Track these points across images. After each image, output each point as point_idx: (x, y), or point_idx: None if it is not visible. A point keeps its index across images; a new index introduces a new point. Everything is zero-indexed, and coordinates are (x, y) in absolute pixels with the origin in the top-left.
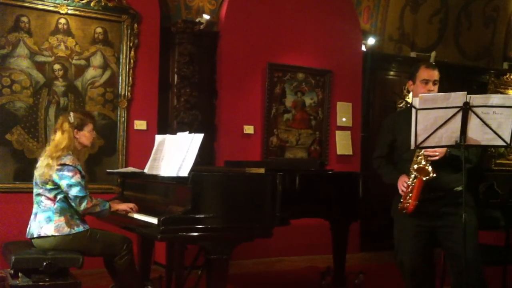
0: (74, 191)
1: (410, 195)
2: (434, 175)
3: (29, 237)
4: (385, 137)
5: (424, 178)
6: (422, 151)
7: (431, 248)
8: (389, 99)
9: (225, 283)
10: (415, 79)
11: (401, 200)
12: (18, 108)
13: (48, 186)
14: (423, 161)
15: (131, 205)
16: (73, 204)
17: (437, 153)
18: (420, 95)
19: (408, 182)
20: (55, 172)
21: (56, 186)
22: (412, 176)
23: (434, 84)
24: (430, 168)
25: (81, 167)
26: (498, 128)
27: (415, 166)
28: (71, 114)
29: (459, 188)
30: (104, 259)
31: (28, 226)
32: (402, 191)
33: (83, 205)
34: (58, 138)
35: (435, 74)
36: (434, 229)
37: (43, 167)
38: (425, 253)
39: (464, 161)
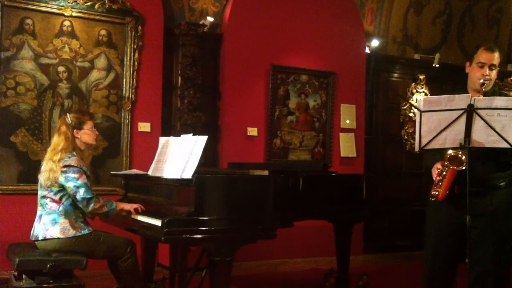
0: (81, 193)
1: (441, 183)
2: (464, 168)
3: (33, 239)
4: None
5: (457, 168)
6: None
7: (457, 252)
8: (393, 101)
9: (228, 285)
10: (472, 61)
11: (434, 187)
12: (22, 110)
13: (54, 189)
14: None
15: (137, 205)
16: (80, 205)
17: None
18: (424, 97)
19: (440, 170)
20: (60, 174)
21: (62, 188)
22: (446, 163)
23: (490, 68)
24: (463, 157)
25: (86, 167)
26: (502, 130)
27: (449, 152)
28: (68, 115)
29: (502, 184)
30: (108, 261)
31: (32, 229)
32: (435, 177)
33: (91, 206)
34: (55, 140)
35: (493, 58)
36: (463, 228)
37: (47, 171)
38: (451, 254)
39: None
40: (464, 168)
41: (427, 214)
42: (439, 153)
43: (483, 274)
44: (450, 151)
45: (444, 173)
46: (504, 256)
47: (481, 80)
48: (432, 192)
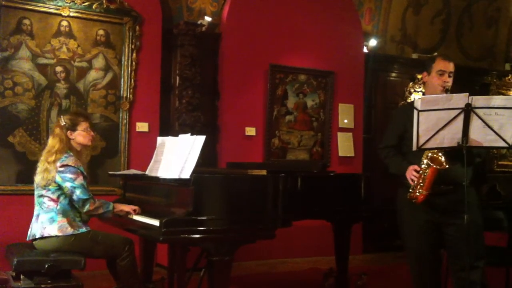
0: (77, 194)
1: (421, 184)
2: (447, 166)
3: (30, 238)
4: (395, 127)
5: (438, 167)
6: None
7: (438, 248)
8: (391, 101)
9: (227, 285)
10: (431, 70)
11: (410, 190)
12: (20, 110)
13: (51, 188)
14: (436, 151)
15: (134, 207)
16: (76, 206)
17: None
18: (422, 96)
19: (420, 172)
20: (57, 173)
21: (59, 187)
22: (424, 164)
23: (449, 76)
24: (443, 158)
25: (83, 168)
26: (500, 129)
27: (429, 155)
28: (62, 117)
29: (466, 183)
30: (106, 260)
31: (30, 228)
32: (412, 180)
33: (86, 207)
34: (50, 142)
35: (451, 66)
36: (441, 225)
37: (42, 172)
38: (433, 253)
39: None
40: (446, 166)
41: (401, 216)
42: (406, 160)
43: (466, 267)
44: (428, 154)
45: (425, 175)
46: (480, 249)
47: (444, 87)
48: (413, 194)
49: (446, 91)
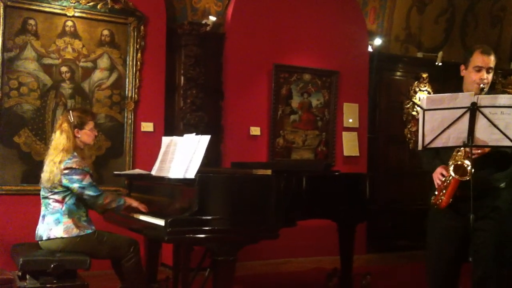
0: (87, 192)
1: (444, 191)
2: (468, 178)
3: (37, 239)
4: None
5: (460, 179)
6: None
7: (461, 257)
8: (396, 100)
9: (231, 285)
10: (468, 64)
11: (435, 193)
12: (25, 110)
13: (57, 190)
14: (462, 157)
15: (143, 204)
16: (89, 203)
17: (479, 151)
18: (427, 95)
19: (444, 177)
20: (63, 176)
21: (65, 189)
22: (450, 171)
23: (488, 72)
24: (468, 168)
25: (88, 167)
26: (506, 128)
27: (453, 162)
28: (71, 113)
29: (502, 186)
30: (111, 260)
31: (37, 229)
32: (437, 184)
33: (100, 201)
34: (57, 138)
35: (490, 61)
36: (469, 230)
37: (48, 172)
38: (453, 260)
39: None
40: (468, 178)
41: (429, 217)
42: (438, 158)
43: (487, 275)
44: (453, 162)
45: (448, 182)
46: (507, 257)
47: (480, 85)
48: (436, 200)
49: (481, 89)
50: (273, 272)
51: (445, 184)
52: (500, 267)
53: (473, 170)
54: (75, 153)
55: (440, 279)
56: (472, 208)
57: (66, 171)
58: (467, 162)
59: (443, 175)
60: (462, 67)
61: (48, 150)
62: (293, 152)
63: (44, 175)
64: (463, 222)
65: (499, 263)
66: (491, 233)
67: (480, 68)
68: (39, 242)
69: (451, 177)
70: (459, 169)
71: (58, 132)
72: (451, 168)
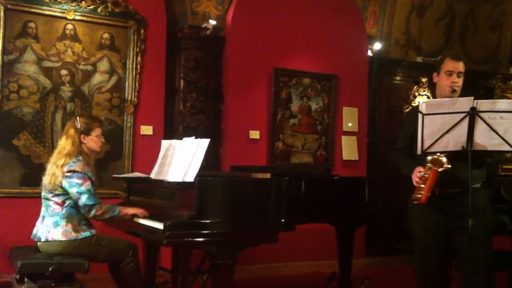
0: (83, 199)
1: (423, 186)
2: (449, 166)
3: (35, 240)
4: (406, 130)
5: (439, 169)
6: None
7: (447, 253)
8: (395, 104)
9: None
10: (440, 71)
11: (415, 191)
12: (25, 113)
13: (57, 192)
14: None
15: (140, 210)
16: (82, 211)
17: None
18: (426, 100)
19: (422, 173)
20: (64, 178)
21: (65, 192)
22: (427, 166)
23: (458, 76)
24: (444, 159)
25: (91, 173)
26: (505, 133)
27: (429, 157)
28: (78, 119)
29: (478, 185)
30: (108, 264)
31: (35, 228)
32: (416, 181)
33: (92, 212)
34: (62, 143)
35: (460, 66)
36: (450, 228)
37: (50, 175)
38: (441, 257)
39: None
40: (447, 167)
41: (411, 219)
42: (416, 163)
43: (475, 271)
44: (429, 156)
45: (427, 175)
46: (491, 251)
47: (452, 87)
48: (415, 195)
49: (453, 91)
50: (271, 276)
51: (424, 178)
52: (487, 262)
53: (449, 166)
54: (80, 157)
55: (431, 279)
56: (454, 205)
57: (68, 174)
58: (442, 155)
59: (420, 172)
60: (435, 74)
61: (51, 154)
62: (293, 156)
63: (46, 177)
64: (445, 220)
65: (485, 258)
66: (474, 230)
67: (451, 72)
68: (38, 243)
69: (429, 171)
70: (436, 162)
71: (64, 137)
72: (429, 159)
